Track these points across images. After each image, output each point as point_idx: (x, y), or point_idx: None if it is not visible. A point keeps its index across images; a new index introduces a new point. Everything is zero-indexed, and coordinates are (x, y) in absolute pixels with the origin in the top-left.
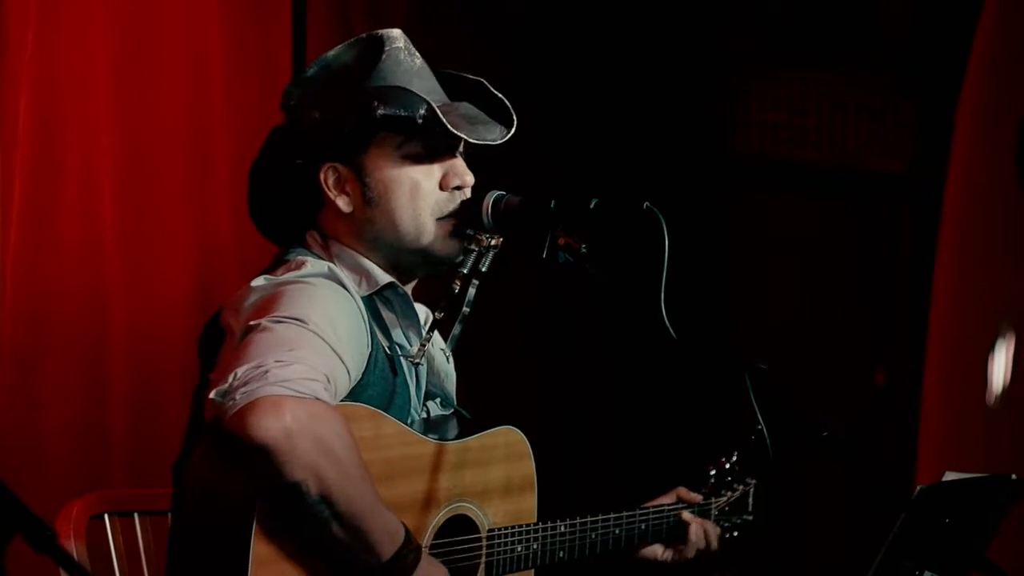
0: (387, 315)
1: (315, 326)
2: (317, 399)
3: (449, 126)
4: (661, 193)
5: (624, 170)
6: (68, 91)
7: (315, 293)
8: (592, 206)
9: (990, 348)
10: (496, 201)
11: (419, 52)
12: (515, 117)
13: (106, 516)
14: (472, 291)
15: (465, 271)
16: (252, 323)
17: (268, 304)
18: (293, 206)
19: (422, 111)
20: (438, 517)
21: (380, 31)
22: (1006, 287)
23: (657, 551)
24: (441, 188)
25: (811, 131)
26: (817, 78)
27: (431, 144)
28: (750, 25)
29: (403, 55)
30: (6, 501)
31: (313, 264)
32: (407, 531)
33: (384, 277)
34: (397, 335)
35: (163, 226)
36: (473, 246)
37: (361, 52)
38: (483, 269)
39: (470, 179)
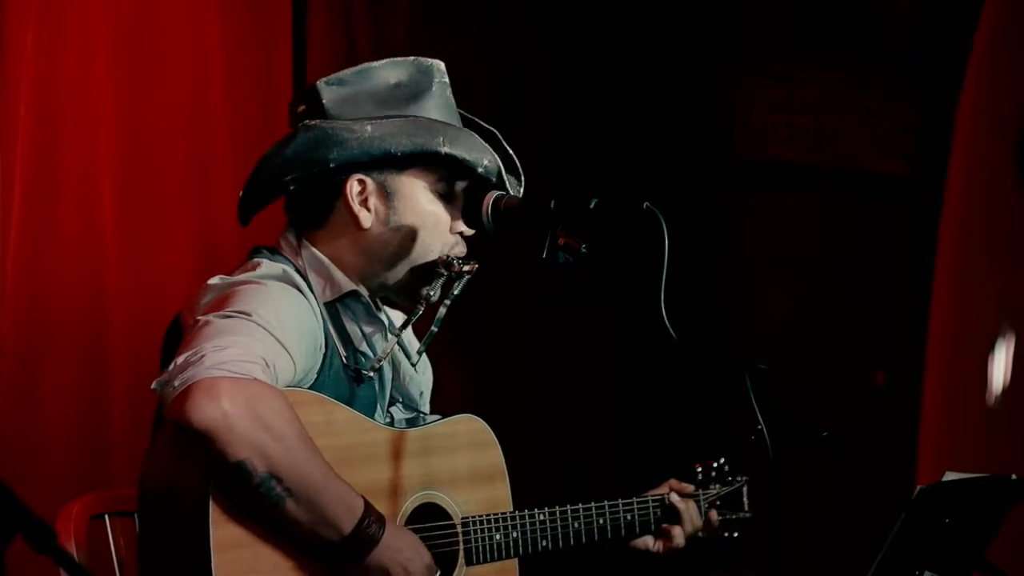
0: (349, 324)
1: (259, 318)
2: (255, 379)
3: (508, 185)
4: (661, 193)
5: (625, 170)
6: (68, 91)
7: (265, 292)
8: (592, 206)
9: (990, 348)
10: (496, 201)
11: (424, 55)
12: (523, 175)
13: (106, 516)
14: (443, 311)
15: (434, 296)
16: (200, 318)
17: (219, 302)
18: (302, 204)
19: (486, 162)
20: (406, 505)
21: (427, 60)
22: (1006, 287)
23: (648, 542)
24: (449, 231)
25: (811, 131)
26: (817, 78)
27: (457, 189)
28: (751, 25)
29: (448, 91)
30: (6, 501)
31: (267, 266)
32: (367, 503)
33: (348, 284)
34: (361, 344)
35: (163, 226)
36: (442, 269)
37: (410, 76)
38: (456, 293)
39: (469, 231)
